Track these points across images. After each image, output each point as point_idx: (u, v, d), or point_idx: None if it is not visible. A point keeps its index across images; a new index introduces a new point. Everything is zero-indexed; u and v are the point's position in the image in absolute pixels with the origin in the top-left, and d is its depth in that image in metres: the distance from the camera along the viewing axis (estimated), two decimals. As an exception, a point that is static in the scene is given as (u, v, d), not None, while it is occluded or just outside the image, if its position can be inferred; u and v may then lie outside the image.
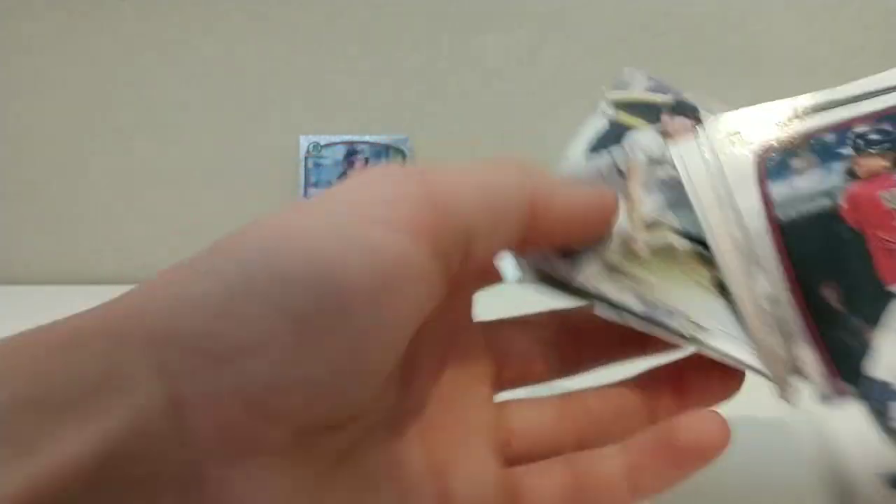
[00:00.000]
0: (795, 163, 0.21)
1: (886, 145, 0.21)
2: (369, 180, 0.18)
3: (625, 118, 0.24)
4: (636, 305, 0.21)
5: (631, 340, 0.23)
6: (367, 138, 0.59)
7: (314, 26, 0.58)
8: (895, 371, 0.20)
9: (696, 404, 0.22)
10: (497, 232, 0.19)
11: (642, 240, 0.22)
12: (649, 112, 0.24)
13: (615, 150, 0.23)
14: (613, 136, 0.23)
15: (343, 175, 0.59)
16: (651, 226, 0.22)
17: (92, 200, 0.61)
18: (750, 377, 0.22)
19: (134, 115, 0.60)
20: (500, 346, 0.23)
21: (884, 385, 0.20)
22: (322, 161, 0.59)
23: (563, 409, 0.22)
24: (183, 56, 0.59)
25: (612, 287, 0.22)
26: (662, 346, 0.22)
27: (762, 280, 0.21)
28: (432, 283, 0.17)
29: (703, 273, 0.21)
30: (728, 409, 0.21)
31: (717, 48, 0.55)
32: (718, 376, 0.22)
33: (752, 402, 0.22)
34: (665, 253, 0.22)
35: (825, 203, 0.21)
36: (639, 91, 0.25)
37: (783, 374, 0.21)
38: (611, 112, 0.24)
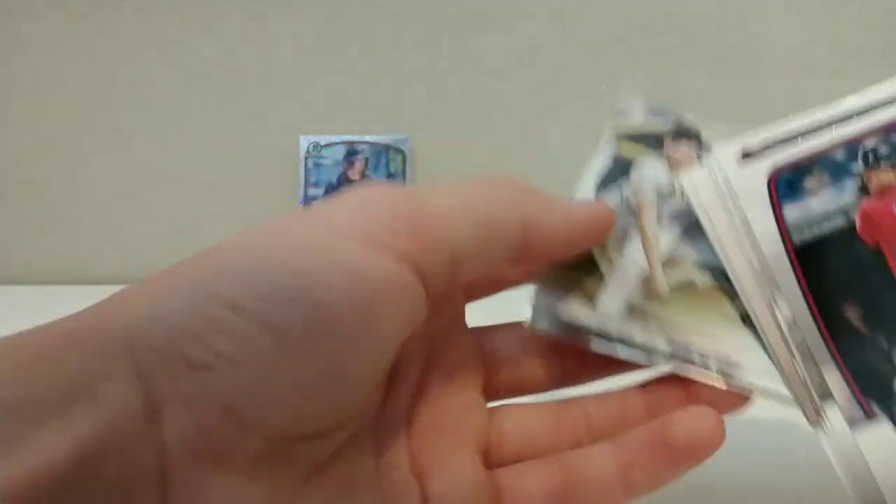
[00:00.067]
0: (808, 182, 0.21)
1: None
2: (357, 200, 0.18)
3: (627, 150, 0.24)
4: (663, 345, 0.21)
5: None
6: (367, 138, 0.59)
7: (314, 26, 0.58)
8: None
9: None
10: (485, 253, 0.19)
11: (662, 278, 0.22)
12: (651, 140, 0.24)
13: (624, 187, 0.23)
14: (619, 170, 0.23)
15: (343, 175, 0.59)
16: (669, 262, 0.22)
17: (92, 200, 0.61)
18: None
19: (134, 115, 0.60)
20: (493, 351, 0.23)
21: None
22: (322, 161, 0.59)
23: (560, 413, 0.22)
24: (183, 56, 0.59)
25: (635, 328, 0.21)
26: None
27: (783, 305, 0.21)
28: (414, 304, 0.18)
29: (726, 303, 0.21)
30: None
31: (717, 48, 0.55)
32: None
33: (752, 402, 0.22)
34: (686, 288, 0.22)
35: (840, 222, 0.21)
36: (638, 118, 0.24)
37: (812, 400, 0.21)
38: (613, 146, 0.24)
